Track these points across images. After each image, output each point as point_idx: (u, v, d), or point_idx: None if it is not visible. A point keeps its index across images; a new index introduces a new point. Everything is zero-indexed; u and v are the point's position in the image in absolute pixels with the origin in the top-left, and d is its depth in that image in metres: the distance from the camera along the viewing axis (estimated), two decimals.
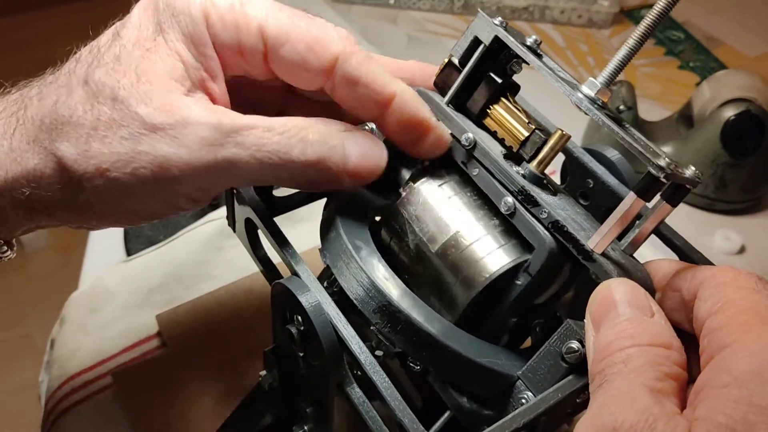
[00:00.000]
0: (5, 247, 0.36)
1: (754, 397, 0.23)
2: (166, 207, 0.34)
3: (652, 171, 0.29)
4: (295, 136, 0.33)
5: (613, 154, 0.39)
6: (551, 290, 0.34)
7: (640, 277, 0.31)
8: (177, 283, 0.60)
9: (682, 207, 0.76)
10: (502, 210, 0.33)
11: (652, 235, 0.36)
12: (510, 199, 0.33)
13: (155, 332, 0.56)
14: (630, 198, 0.30)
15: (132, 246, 0.66)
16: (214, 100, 0.34)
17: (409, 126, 0.34)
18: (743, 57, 1.01)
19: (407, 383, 0.39)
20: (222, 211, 0.66)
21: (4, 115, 0.34)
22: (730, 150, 0.72)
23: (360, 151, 0.34)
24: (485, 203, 0.35)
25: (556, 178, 0.40)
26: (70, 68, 0.34)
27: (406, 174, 0.37)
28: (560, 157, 0.40)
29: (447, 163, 0.36)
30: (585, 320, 0.30)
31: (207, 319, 0.56)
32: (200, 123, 0.32)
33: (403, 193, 0.36)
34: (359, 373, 0.33)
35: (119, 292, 0.59)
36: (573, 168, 0.40)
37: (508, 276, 0.33)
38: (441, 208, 0.35)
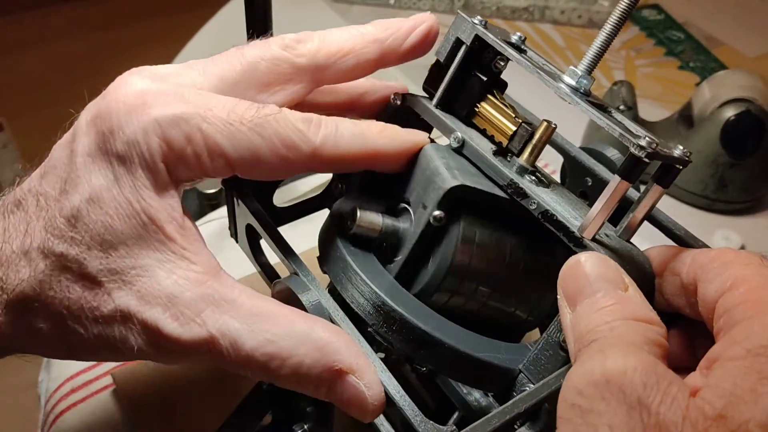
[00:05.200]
0: None
1: (765, 369, 0.24)
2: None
3: (633, 150, 0.29)
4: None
5: (612, 153, 0.39)
6: None
7: (638, 261, 0.31)
8: None
9: (682, 207, 0.76)
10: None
11: (655, 229, 0.36)
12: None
13: None
14: (615, 180, 0.30)
15: None
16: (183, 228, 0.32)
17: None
18: (743, 57, 1.01)
19: (419, 387, 0.39)
20: (222, 211, 0.66)
21: None
22: (730, 150, 0.72)
23: None
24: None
25: (556, 178, 0.40)
26: (22, 218, 0.32)
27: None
28: (560, 159, 0.40)
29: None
30: (558, 296, 0.29)
31: None
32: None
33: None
34: None
35: None
36: (571, 167, 0.40)
37: None
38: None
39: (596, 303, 0.28)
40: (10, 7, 2.22)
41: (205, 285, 0.31)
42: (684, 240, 0.36)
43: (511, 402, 0.29)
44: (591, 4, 1.03)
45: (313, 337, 0.30)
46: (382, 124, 0.35)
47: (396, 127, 0.36)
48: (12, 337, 0.32)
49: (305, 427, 0.39)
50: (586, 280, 0.28)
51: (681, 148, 0.31)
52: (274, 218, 0.38)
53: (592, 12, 1.03)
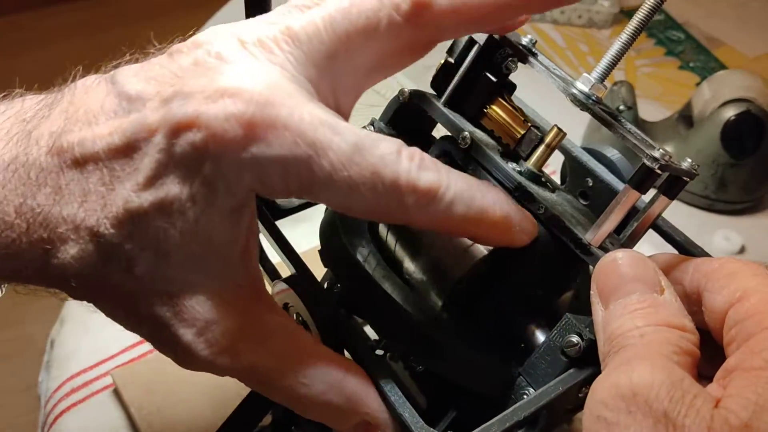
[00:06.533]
0: None
1: None
2: None
3: (647, 162, 0.29)
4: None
5: (612, 153, 0.39)
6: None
7: None
8: None
9: (683, 207, 0.76)
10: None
11: (653, 233, 0.36)
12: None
13: None
14: (625, 190, 0.30)
15: None
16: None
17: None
18: (743, 57, 1.01)
19: (411, 384, 0.39)
20: None
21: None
22: (730, 150, 0.72)
23: None
24: None
25: (556, 178, 0.40)
26: (78, 182, 0.29)
27: None
28: (560, 157, 0.40)
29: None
30: (591, 291, 0.29)
31: None
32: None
33: None
34: None
35: None
36: (572, 167, 0.40)
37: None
38: None
39: (630, 304, 0.27)
40: (10, 8, 2.22)
41: (246, 314, 0.30)
42: (684, 246, 0.36)
43: (510, 410, 0.29)
44: (591, 4, 1.03)
45: (344, 385, 0.30)
46: (502, 213, 0.30)
47: (518, 219, 0.31)
48: (46, 290, 0.32)
49: (305, 428, 0.39)
50: (621, 279, 0.28)
51: (689, 160, 0.31)
52: (273, 213, 0.38)
53: (592, 12, 1.03)
